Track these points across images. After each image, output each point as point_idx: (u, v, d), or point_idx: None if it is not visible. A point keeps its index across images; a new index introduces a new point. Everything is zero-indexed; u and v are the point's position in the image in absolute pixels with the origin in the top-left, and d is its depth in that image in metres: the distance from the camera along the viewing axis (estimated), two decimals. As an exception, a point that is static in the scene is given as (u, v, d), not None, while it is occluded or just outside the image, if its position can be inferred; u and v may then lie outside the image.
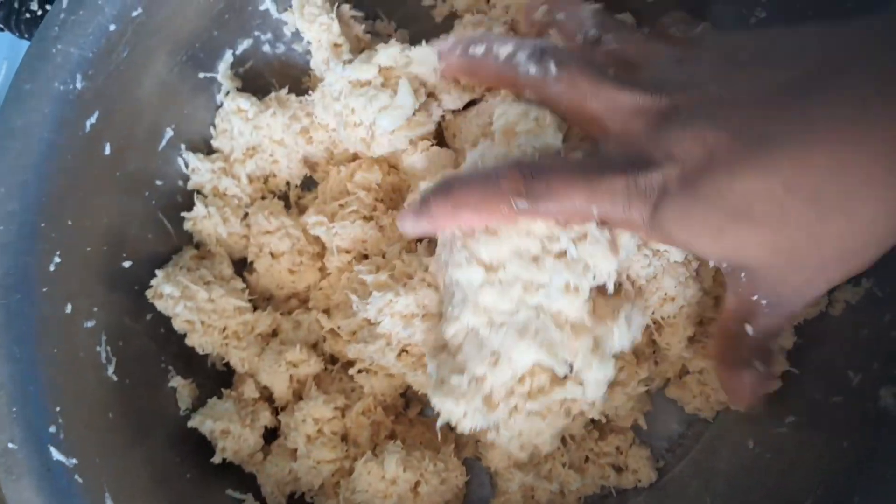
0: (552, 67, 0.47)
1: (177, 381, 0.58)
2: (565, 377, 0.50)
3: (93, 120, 0.53)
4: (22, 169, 0.50)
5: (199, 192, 0.62)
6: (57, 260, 0.51)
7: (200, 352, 0.59)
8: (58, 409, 0.48)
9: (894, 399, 0.51)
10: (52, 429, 0.48)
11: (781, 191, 0.38)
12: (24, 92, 0.50)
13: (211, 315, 0.57)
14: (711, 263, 0.54)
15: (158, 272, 0.57)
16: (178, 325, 0.58)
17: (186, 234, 0.61)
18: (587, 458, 0.60)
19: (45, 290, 0.50)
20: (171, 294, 0.56)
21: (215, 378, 0.61)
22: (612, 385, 0.57)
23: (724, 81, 0.42)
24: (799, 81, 0.39)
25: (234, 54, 0.61)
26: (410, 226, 0.47)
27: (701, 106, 0.41)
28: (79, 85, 0.51)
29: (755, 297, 0.47)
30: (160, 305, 0.56)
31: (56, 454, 0.47)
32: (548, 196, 0.43)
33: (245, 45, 0.61)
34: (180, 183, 0.61)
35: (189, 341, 0.58)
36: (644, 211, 0.43)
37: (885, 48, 0.37)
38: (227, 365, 0.61)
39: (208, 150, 0.62)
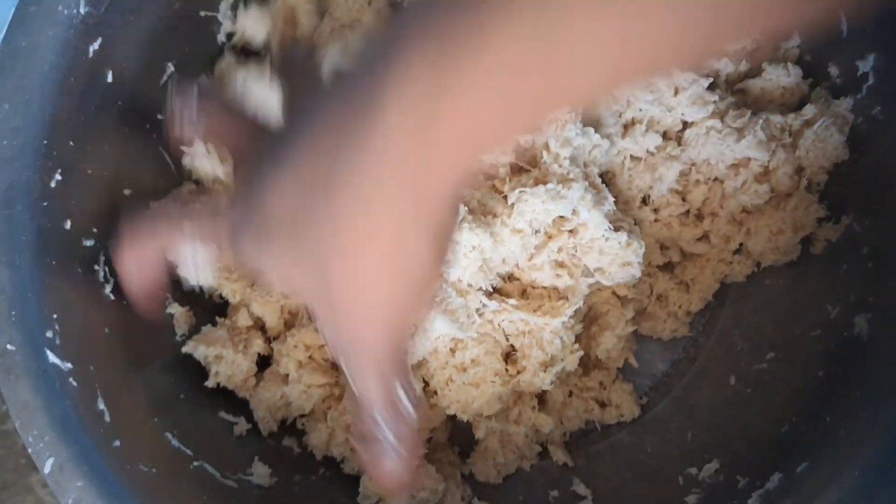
0: None
1: (174, 308, 0.59)
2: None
3: (95, 46, 0.54)
4: (26, 88, 0.51)
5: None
6: (58, 177, 0.52)
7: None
8: (55, 315, 0.49)
9: (868, 325, 0.52)
10: (49, 333, 0.49)
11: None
12: (29, 14, 0.51)
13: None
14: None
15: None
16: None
17: (187, 170, 0.63)
18: (571, 393, 0.62)
19: (45, 204, 0.51)
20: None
21: (211, 309, 0.62)
22: (601, 328, 0.59)
23: None
24: None
25: (235, -7, 0.63)
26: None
27: None
28: (82, 10, 0.53)
29: (325, 338, 0.42)
30: None
31: (52, 357, 0.48)
32: None
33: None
34: (181, 119, 0.62)
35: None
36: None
37: None
38: (222, 296, 0.62)
39: (209, 90, 0.64)
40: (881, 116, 0.54)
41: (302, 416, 0.61)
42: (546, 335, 0.56)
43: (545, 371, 0.56)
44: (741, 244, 0.62)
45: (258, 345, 0.60)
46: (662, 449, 0.59)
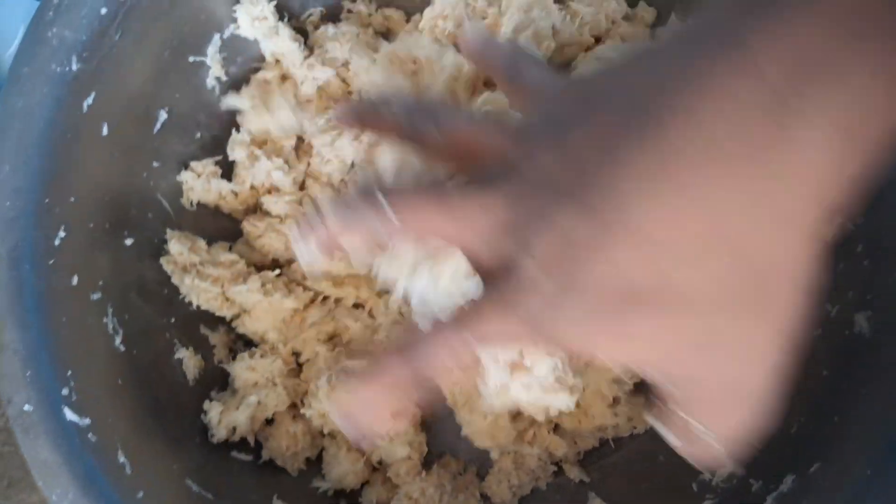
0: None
1: (182, 353, 0.60)
2: None
3: (90, 101, 0.55)
4: (25, 147, 0.52)
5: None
6: (62, 234, 0.53)
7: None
8: (69, 373, 0.50)
9: (868, 322, 0.52)
10: (65, 391, 0.49)
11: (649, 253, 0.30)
12: (22, 74, 0.52)
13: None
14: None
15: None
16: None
17: (185, 213, 0.63)
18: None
19: (51, 262, 0.52)
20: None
21: (219, 350, 0.63)
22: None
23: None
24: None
25: (221, 38, 0.63)
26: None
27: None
28: (74, 67, 0.54)
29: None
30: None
31: (70, 414, 0.49)
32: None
33: (231, 28, 0.64)
34: (177, 165, 0.63)
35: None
36: (524, 324, 0.34)
37: None
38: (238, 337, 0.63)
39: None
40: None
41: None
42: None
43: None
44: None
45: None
46: (675, 457, 0.60)
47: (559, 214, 0.31)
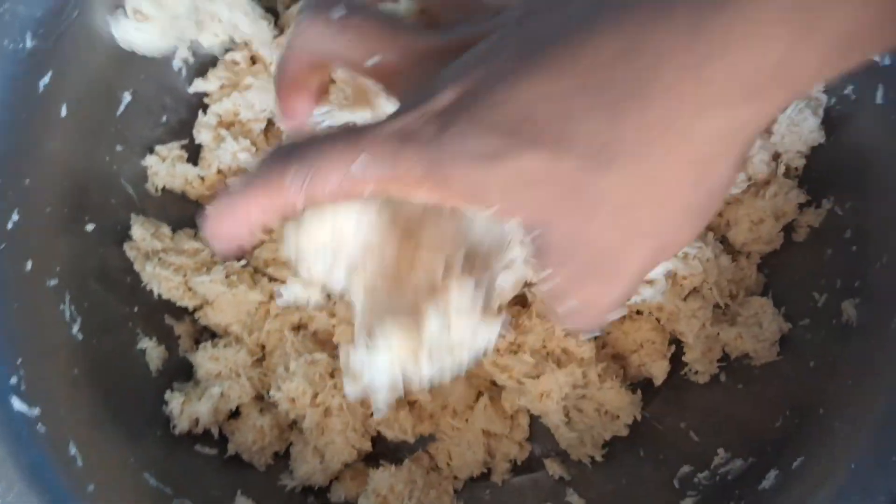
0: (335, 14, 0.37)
1: (145, 343, 0.58)
2: None
3: (46, 80, 0.53)
4: (-25, 128, 0.50)
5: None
6: (15, 218, 0.51)
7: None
8: (18, 360, 0.48)
9: (856, 310, 0.51)
10: (13, 380, 0.48)
11: (567, 88, 0.30)
12: (-28, 52, 0.50)
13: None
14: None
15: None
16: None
17: (150, 198, 0.61)
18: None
19: (2, 246, 0.50)
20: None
21: (184, 341, 0.61)
22: None
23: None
24: None
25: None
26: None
27: (497, 35, 0.34)
28: (29, 44, 0.52)
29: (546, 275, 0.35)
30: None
31: (17, 404, 0.47)
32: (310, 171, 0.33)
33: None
34: (141, 150, 0.61)
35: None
36: (418, 152, 0.32)
37: None
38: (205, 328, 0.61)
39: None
40: (854, 95, 0.53)
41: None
42: None
43: None
44: (723, 236, 0.60)
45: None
46: (655, 452, 0.58)
47: (496, 49, 0.32)
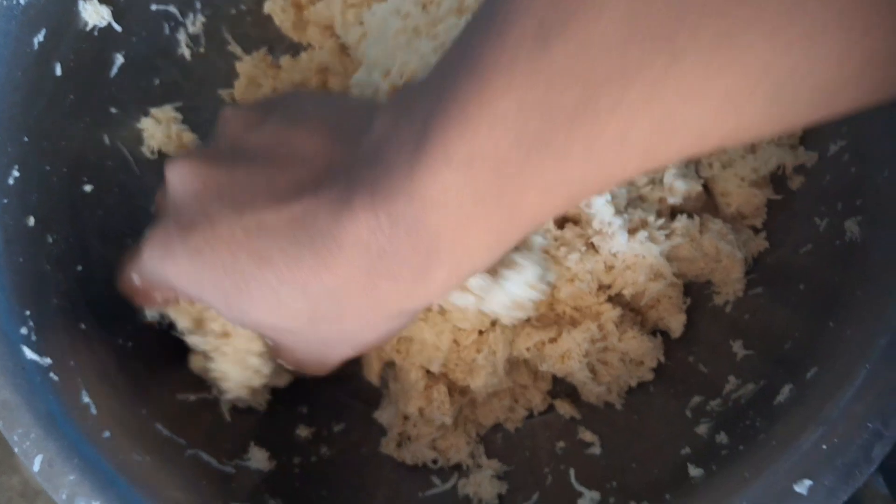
0: None
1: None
2: None
3: (40, 38, 0.53)
4: (-28, 82, 0.50)
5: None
6: (15, 174, 0.50)
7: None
8: (27, 313, 0.48)
9: (859, 227, 0.51)
10: (24, 331, 0.47)
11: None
12: (-34, 6, 0.50)
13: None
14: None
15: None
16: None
17: (146, 161, 0.61)
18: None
19: (5, 201, 0.49)
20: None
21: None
22: None
23: None
24: None
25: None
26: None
27: None
28: (22, 0, 0.51)
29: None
30: None
31: (29, 353, 0.46)
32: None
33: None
34: (136, 112, 0.61)
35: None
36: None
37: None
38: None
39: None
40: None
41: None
42: None
43: None
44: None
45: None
46: (665, 387, 0.58)
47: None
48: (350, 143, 0.39)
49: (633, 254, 0.56)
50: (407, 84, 0.36)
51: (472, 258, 0.36)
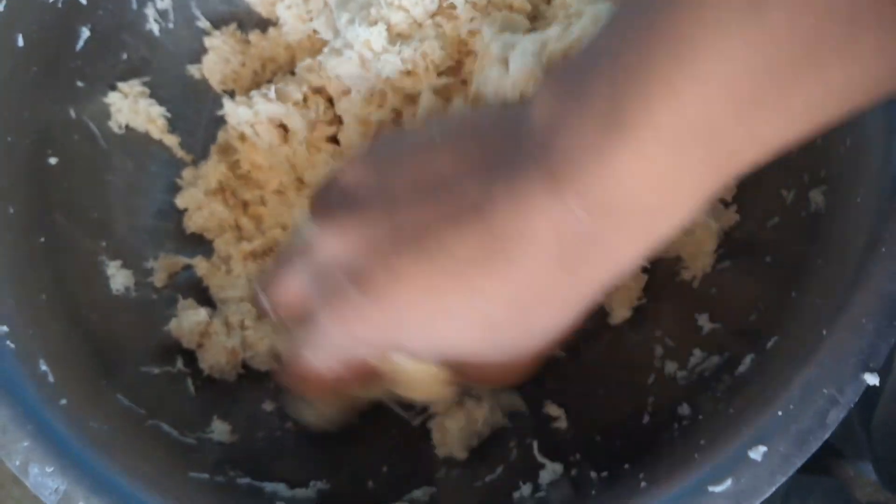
0: None
1: (112, 271, 0.57)
2: None
3: (1, 7, 0.52)
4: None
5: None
6: (-24, 145, 0.50)
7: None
8: (-16, 283, 0.47)
9: (823, 196, 0.51)
10: (-20, 300, 0.47)
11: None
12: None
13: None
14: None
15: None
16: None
17: (114, 136, 0.61)
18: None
19: (-36, 171, 0.49)
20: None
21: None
22: None
23: None
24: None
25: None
26: None
27: None
28: (-18, -32, 0.51)
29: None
30: None
31: (-16, 321, 0.46)
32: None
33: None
34: (102, 86, 0.61)
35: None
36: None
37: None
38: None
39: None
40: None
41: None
42: None
43: None
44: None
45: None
46: (630, 359, 0.58)
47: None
48: (495, 145, 0.38)
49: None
50: (553, 74, 0.35)
51: (670, 221, 0.36)
